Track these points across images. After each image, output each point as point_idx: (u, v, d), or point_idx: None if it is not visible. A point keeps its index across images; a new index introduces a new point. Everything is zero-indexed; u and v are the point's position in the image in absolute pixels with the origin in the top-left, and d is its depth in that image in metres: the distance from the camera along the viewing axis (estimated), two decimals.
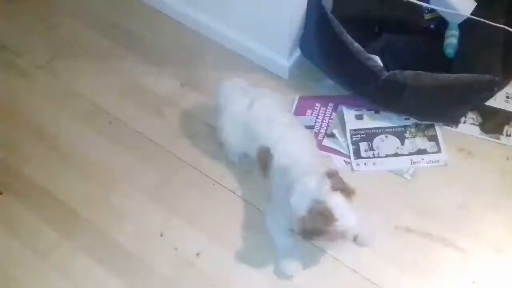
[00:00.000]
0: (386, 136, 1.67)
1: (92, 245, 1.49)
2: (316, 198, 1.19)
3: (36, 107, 1.77)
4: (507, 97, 1.75)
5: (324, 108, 1.74)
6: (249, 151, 1.52)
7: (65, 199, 1.57)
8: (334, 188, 1.20)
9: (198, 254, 1.48)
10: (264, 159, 1.43)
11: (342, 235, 1.20)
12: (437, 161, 1.62)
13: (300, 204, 1.21)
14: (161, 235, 1.51)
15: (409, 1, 1.65)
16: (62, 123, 1.73)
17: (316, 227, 1.18)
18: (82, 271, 1.46)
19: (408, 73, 1.54)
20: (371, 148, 1.65)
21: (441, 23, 1.76)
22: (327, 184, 1.21)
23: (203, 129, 1.68)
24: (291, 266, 1.42)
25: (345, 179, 1.27)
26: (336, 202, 1.18)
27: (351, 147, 1.65)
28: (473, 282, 1.44)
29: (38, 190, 1.59)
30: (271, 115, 1.45)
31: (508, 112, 1.73)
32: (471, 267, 1.46)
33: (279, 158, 1.39)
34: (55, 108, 1.77)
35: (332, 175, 1.26)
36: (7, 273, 1.46)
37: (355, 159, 1.63)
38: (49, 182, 1.60)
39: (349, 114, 1.71)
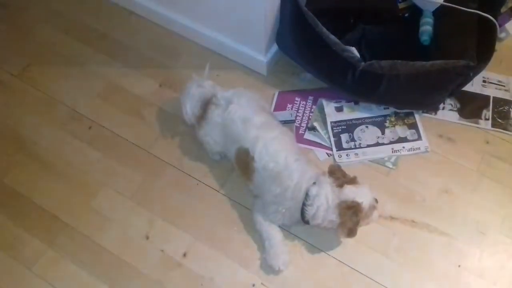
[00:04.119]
0: (367, 127, 1.68)
1: (77, 252, 1.48)
2: (338, 202, 1.32)
3: (14, 116, 1.75)
4: (484, 81, 1.78)
5: (304, 102, 1.75)
6: (228, 152, 1.52)
7: (48, 206, 1.56)
8: (340, 184, 1.34)
9: (185, 255, 1.48)
10: (244, 161, 1.44)
11: (371, 208, 1.35)
12: (418, 148, 1.64)
13: (325, 215, 1.34)
14: (147, 237, 1.51)
15: None
16: (41, 130, 1.71)
17: (355, 221, 1.32)
18: (68, 278, 1.45)
19: (385, 62, 1.56)
20: (352, 139, 1.66)
21: (415, 12, 1.78)
22: (333, 183, 1.34)
23: (184, 129, 1.67)
24: (279, 260, 1.43)
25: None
26: (351, 192, 1.33)
27: (332, 139, 1.66)
28: (459, 265, 1.46)
29: (20, 199, 1.57)
30: (246, 116, 1.45)
31: (486, 96, 1.75)
32: (456, 251, 1.48)
33: (261, 161, 1.39)
34: (34, 115, 1.75)
35: (332, 172, 1.37)
36: None
37: (337, 150, 1.64)
38: (31, 191, 1.59)
39: (329, 107, 1.72)
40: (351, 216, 1.31)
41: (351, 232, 1.33)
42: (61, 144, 1.68)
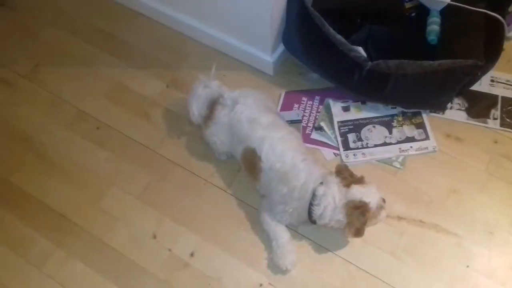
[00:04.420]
0: (374, 126, 1.68)
1: (85, 251, 1.49)
2: (345, 202, 1.31)
3: (22, 116, 1.76)
4: (492, 81, 1.77)
5: (311, 102, 1.75)
6: (234, 152, 1.52)
7: (56, 206, 1.57)
8: (347, 184, 1.33)
9: (192, 254, 1.49)
10: (250, 161, 1.44)
11: (379, 208, 1.35)
12: (426, 148, 1.63)
13: (332, 215, 1.33)
14: (154, 237, 1.51)
15: None
16: (49, 131, 1.72)
17: (362, 220, 1.31)
18: (77, 277, 1.46)
19: (392, 62, 1.55)
20: (360, 139, 1.65)
21: (422, 11, 1.77)
22: (340, 183, 1.33)
23: (191, 129, 1.67)
24: (287, 260, 1.43)
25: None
26: (358, 191, 1.32)
27: (339, 139, 1.66)
28: (467, 266, 1.45)
29: (28, 199, 1.59)
30: (253, 116, 1.46)
31: (494, 95, 1.74)
32: (464, 252, 1.47)
33: (268, 161, 1.39)
34: (42, 116, 1.76)
35: (340, 172, 1.37)
36: (1, 283, 1.46)
37: (344, 150, 1.64)
38: (39, 191, 1.60)
39: (336, 106, 1.71)
40: (358, 216, 1.30)
41: (358, 232, 1.32)
42: (69, 144, 1.69)
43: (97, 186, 1.61)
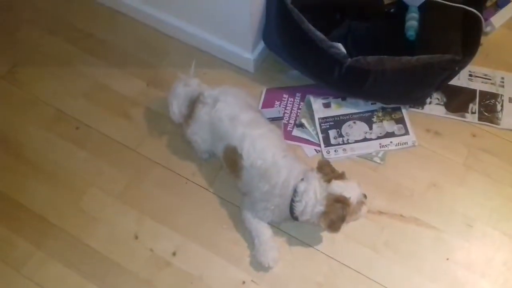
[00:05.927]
0: (354, 122, 1.68)
1: (65, 252, 1.48)
2: (326, 195, 1.31)
3: (0, 117, 1.73)
4: (470, 75, 1.78)
5: (292, 99, 1.75)
6: (216, 150, 1.52)
7: (35, 208, 1.55)
8: (328, 180, 1.33)
9: (174, 253, 1.48)
10: (231, 159, 1.43)
11: (359, 204, 1.34)
12: (405, 143, 1.65)
13: (313, 210, 1.33)
14: (136, 237, 1.50)
15: None
16: (27, 132, 1.70)
17: (340, 214, 1.30)
18: (57, 279, 1.44)
19: (371, 58, 1.56)
20: (340, 135, 1.66)
21: (401, 7, 1.78)
22: (321, 178, 1.33)
23: (171, 128, 1.66)
24: (269, 257, 1.43)
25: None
26: (338, 187, 1.32)
27: (320, 135, 1.66)
28: (447, 259, 1.47)
29: (7, 201, 1.56)
30: (233, 113, 1.45)
31: (472, 90, 1.76)
32: (444, 245, 1.49)
33: (249, 158, 1.39)
34: (20, 116, 1.73)
35: (321, 167, 1.37)
36: None
37: (325, 147, 1.64)
38: (17, 192, 1.58)
39: (317, 103, 1.72)
40: (337, 209, 1.30)
41: (333, 224, 1.31)
42: (48, 144, 1.67)
43: (76, 187, 1.59)
